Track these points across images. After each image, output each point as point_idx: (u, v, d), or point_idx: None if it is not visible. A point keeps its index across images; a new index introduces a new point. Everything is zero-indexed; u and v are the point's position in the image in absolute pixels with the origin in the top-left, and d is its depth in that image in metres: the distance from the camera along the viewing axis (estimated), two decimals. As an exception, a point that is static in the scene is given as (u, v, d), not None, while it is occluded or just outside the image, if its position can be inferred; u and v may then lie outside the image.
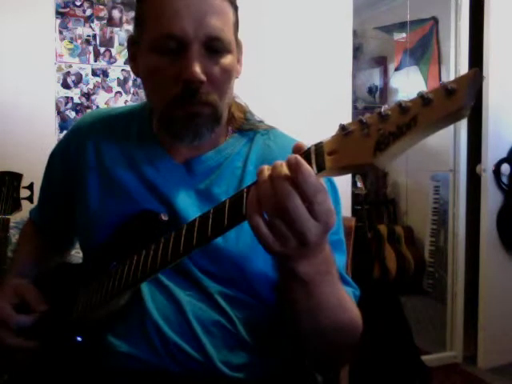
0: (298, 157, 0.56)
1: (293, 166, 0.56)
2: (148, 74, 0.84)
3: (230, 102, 0.88)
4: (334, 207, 0.86)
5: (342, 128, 0.54)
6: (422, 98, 0.47)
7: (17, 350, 0.90)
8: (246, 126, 0.93)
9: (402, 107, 0.48)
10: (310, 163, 0.56)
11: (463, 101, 0.44)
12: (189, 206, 0.86)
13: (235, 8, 0.86)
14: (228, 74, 0.83)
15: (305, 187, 0.56)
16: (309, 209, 0.57)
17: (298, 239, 0.59)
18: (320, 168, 0.55)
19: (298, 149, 0.60)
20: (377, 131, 0.50)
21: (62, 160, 1.02)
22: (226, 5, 0.82)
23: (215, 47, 0.80)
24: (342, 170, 0.55)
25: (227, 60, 0.82)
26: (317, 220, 0.58)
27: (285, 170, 0.57)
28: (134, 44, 0.88)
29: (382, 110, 0.50)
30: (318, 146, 0.57)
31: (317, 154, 0.56)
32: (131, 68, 0.91)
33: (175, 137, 0.85)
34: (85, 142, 0.96)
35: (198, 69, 0.77)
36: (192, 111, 0.81)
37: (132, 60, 0.90)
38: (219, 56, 0.81)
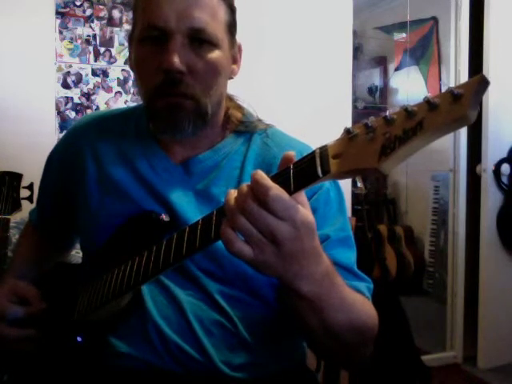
0: (258, 172, 0.58)
1: (252, 176, 0.58)
2: (135, 64, 0.86)
3: (219, 99, 0.87)
4: (338, 203, 0.88)
5: (347, 131, 0.54)
6: (428, 103, 0.47)
7: (15, 340, 0.90)
8: (243, 128, 0.92)
9: (407, 111, 0.48)
10: (314, 166, 0.56)
11: (469, 106, 0.44)
12: (188, 206, 0.86)
13: (230, 8, 0.86)
14: (214, 69, 0.82)
15: (255, 188, 0.57)
16: (266, 208, 0.57)
17: (270, 241, 0.59)
18: (324, 171, 0.55)
19: (287, 159, 0.61)
20: (382, 135, 0.50)
21: (59, 161, 1.02)
22: (216, 1, 0.82)
23: (199, 39, 0.80)
24: (346, 174, 0.55)
25: (213, 54, 0.82)
26: (279, 218, 0.58)
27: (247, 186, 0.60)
28: (131, 40, 0.89)
29: (388, 114, 0.50)
30: (323, 150, 0.57)
31: (321, 157, 0.56)
32: (129, 64, 0.92)
33: (158, 129, 0.86)
34: (82, 142, 0.96)
35: (176, 59, 0.78)
36: (172, 102, 0.81)
37: (129, 57, 0.91)
38: (203, 49, 0.81)
